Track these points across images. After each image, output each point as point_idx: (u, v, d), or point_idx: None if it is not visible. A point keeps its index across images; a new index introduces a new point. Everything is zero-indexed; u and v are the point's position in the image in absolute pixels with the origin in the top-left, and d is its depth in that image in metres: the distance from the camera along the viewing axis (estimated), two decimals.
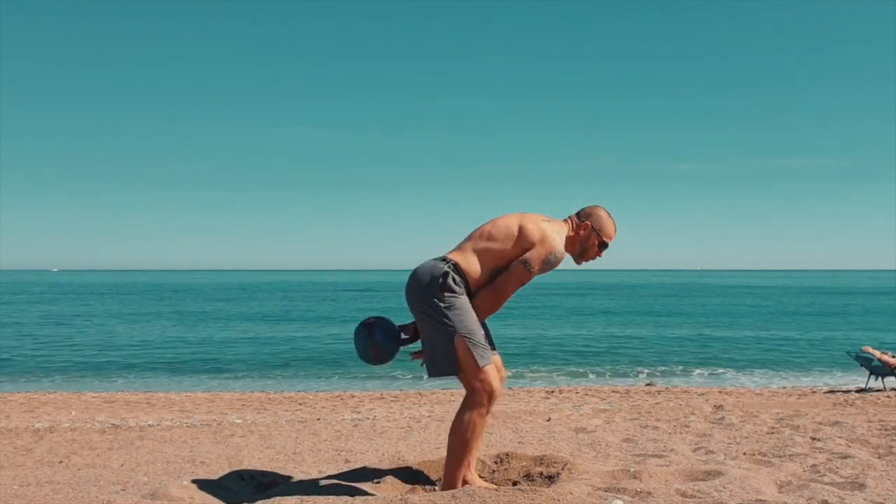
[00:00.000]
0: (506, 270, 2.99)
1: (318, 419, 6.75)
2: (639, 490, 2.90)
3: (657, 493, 2.88)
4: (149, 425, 6.45)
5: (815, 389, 10.17)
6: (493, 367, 2.92)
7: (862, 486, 3.08)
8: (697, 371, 14.12)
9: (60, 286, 69.26)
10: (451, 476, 2.95)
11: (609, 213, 3.20)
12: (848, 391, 9.47)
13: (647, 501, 2.79)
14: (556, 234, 3.04)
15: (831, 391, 9.63)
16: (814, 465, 3.62)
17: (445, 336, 2.88)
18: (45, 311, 32.41)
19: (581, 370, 14.19)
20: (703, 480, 3.09)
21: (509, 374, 3.32)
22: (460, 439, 2.90)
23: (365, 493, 3.02)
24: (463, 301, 2.92)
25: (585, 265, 3.22)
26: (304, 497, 2.87)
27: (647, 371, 14.07)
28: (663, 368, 14.48)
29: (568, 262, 3.17)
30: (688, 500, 2.82)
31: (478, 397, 2.88)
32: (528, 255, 2.97)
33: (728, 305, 37.74)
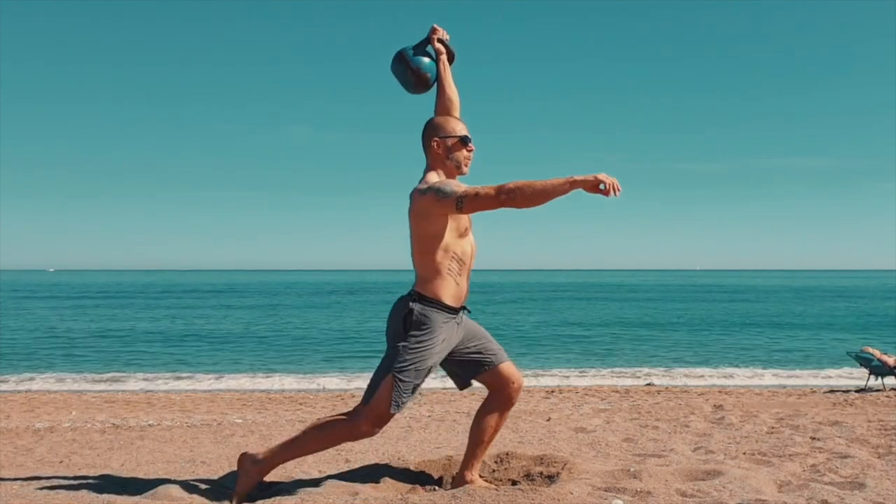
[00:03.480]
0: (437, 242, 2.88)
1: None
2: (639, 490, 2.91)
3: (657, 492, 2.88)
4: (149, 425, 6.45)
5: (815, 389, 10.16)
6: (390, 418, 2.92)
7: (862, 486, 3.08)
8: (697, 371, 14.12)
9: (58, 286, 69.26)
10: (281, 456, 3.10)
11: (440, 115, 3.11)
12: (848, 391, 9.46)
13: (647, 501, 2.79)
14: (420, 183, 2.96)
15: (831, 391, 9.63)
16: (813, 465, 3.62)
17: (386, 371, 2.91)
18: (44, 311, 32.41)
19: (581, 370, 14.19)
20: (703, 480, 3.09)
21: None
22: (317, 440, 3.01)
23: (365, 493, 3.03)
24: (428, 337, 2.88)
25: (468, 169, 3.04)
26: (304, 497, 2.87)
27: (647, 371, 14.07)
28: (663, 368, 14.48)
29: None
30: (688, 499, 2.82)
31: (360, 424, 2.92)
32: (446, 206, 2.81)
33: (728, 305, 37.74)
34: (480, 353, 3.08)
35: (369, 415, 2.92)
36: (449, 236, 2.91)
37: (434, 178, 2.97)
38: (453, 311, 2.96)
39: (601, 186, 2.63)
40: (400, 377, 2.87)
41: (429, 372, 2.95)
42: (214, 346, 19.07)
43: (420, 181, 2.99)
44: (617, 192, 2.64)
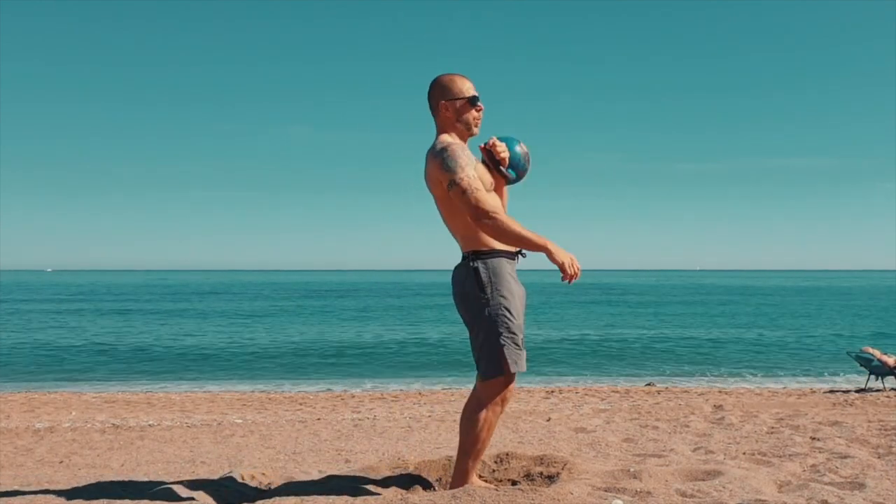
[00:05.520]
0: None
1: (318, 419, 6.76)
2: (639, 490, 2.90)
3: (657, 492, 2.88)
4: (149, 425, 6.45)
5: (814, 389, 10.17)
6: (514, 379, 2.86)
7: (862, 486, 3.08)
8: (697, 371, 14.13)
9: (57, 287, 69.23)
10: (461, 473, 2.93)
11: (449, 74, 2.95)
12: (848, 391, 9.47)
13: (647, 501, 2.79)
14: (436, 146, 2.88)
15: (831, 391, 9.64)
16: (813, 465, 3.62)
17: (487, 338, 2.81)
18: (44, 312, 32.41)
19: (581, 370, 14.19)
20: (703, 480, 3.09)
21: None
22: (473, 438, 2.86)
23: (365, 493, 3.03)
24: (504, 289, 2.81)
25: (478, 130, 2.97)
26: (304, 497, 2.87)
27: (647, 371, 14.07)
28: (663, 368, 14.49)
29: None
30: (688, 499, 2.82)
31: (492, 399, 2.84)
32: (442, 178, 2.79)
33: (727, 305, 37.74)
34: None
35: (493, 385, 2.83)
36: None
37: (447, 139, 2.89)
38: (511, 254, 2.90)
39: (566, 266, 2.70)
40: (504, 333, 2.78)
41: (523, 319, 2.87)
42: (213, 348, 19.07)
43: (435, 142, 2.90)
44: (571, 280, 2.73)
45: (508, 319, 2.81)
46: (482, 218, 2.71)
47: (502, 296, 2.81)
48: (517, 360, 2.81)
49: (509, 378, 2.84)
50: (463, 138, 2.95)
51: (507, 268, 2.87)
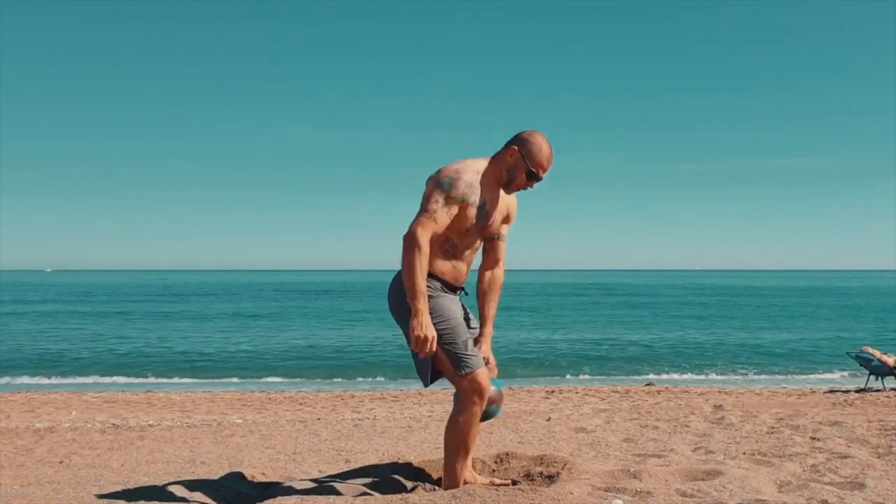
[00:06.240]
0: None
1: (318, 419, 6.76)
2: (639, 490, 2.90)
3: (657, 492, 2.88)
4: (149, 425, 6.45)
5: (814, 389, 10.17)
6: (481, 371, 2.86)
7: (861, 486, 3.09)
8: (697, 371, 14.13)
9: (57, 287, 69.25)
10: (452, 475, 2.95)
11: (546, 141, 2.90)
12: (847, 391, 9.47)
13: (647, 501, 2.79)
14: (460, 163, 2.87)
15: (831, 391, 9.64)
16: (813, 465, 3.62)
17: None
18: (44, 312, 32.41)
19: (581, 370, 14.20)
20: (703, 480, 3.09)
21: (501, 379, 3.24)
22: (456, 438, 2.91)
23: (365, 493, 3.03)
24: (436, 303, 2.84)
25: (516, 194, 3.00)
26: (304, 497, 2.87)
27: (647, 371, 14.08)
28: (663, 368, 14.49)
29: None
30: (688, 499, 2.82)
31: (467, 399, 2.86)
32: (428, 188, 2.84)
33: (727, 306, 37.75)
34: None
35: (465, 390, 2.85)
36: (451, 226, 2.85)
37: (471, 166, 2.87)
38: (448, 285, 2.92)
39: (410, 339, 2.75)
40: (445, 345, 2.80)
41: (465, 319, 2.90)
42: (213, 348, 19.07)
43: (471, 161, 2.91)
44: (415, 349, 2.75)
45: (440, 329, 2.81)
46: (406, 240, 2.78)
47: (433, 301, 2.83)
48: (467, 363, 2.82)
49: (473, 381, 2.84)
50: (495, 183, 2.92)
51: (438, 286, 2.88)
